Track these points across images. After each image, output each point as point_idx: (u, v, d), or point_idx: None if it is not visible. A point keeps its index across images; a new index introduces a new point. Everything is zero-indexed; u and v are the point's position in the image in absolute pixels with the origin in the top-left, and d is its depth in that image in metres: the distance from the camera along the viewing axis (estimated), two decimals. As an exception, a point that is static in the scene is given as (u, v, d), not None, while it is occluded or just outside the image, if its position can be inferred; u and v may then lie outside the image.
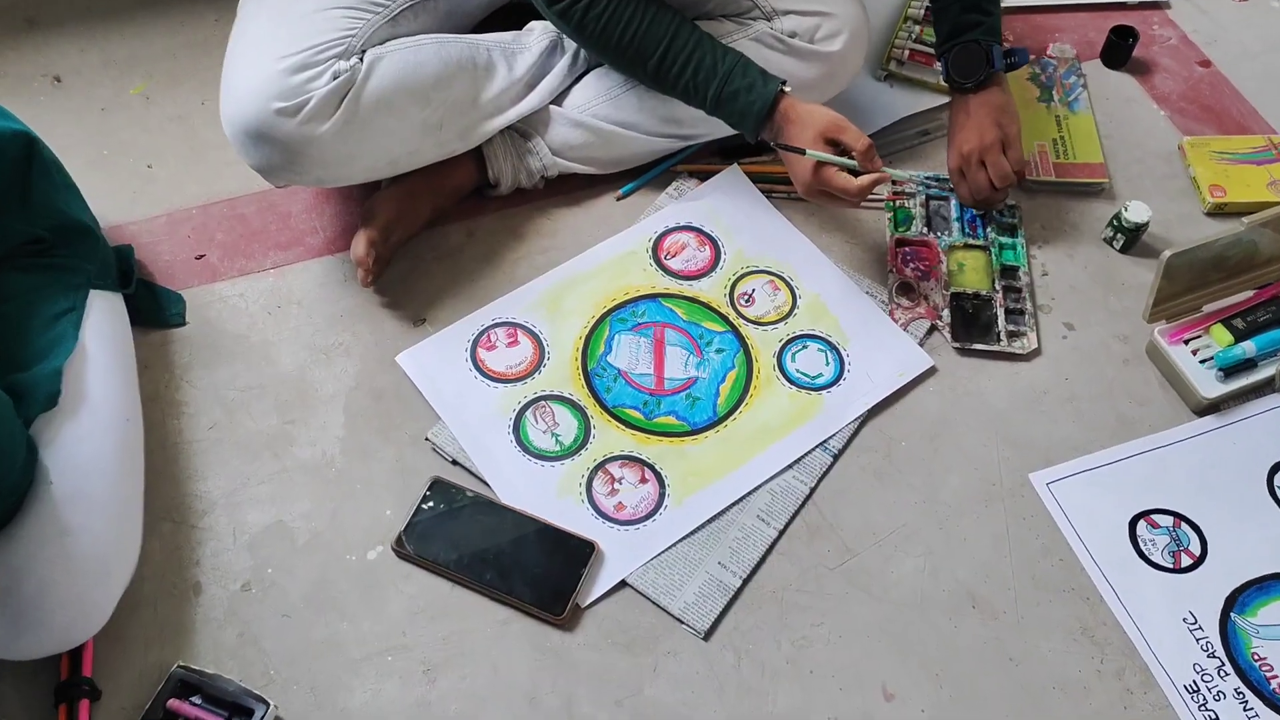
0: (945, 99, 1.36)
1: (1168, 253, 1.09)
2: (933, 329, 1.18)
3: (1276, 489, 1.08)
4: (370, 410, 1.09)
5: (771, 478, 1.06)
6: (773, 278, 1.20)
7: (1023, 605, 1.00)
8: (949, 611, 1.00)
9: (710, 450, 1.08)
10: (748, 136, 1.14)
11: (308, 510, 1.03)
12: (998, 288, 1.20)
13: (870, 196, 1.12)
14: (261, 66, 1.02)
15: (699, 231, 1.23)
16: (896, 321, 1.17)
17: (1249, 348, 1.12)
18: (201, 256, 1.20)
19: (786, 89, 1.11)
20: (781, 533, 1.04)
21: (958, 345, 1.16)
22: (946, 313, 1.18)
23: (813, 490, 1.06)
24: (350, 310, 1.16)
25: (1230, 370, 1.13)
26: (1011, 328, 1.18)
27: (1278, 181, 1.30)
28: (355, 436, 1.08)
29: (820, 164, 1.09)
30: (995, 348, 1.16)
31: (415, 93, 1.08)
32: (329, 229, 1.22)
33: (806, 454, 1.08)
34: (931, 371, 1.14)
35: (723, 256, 1.21)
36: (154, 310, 1.14)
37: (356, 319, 1.16)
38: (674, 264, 1.20)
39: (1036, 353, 1.17)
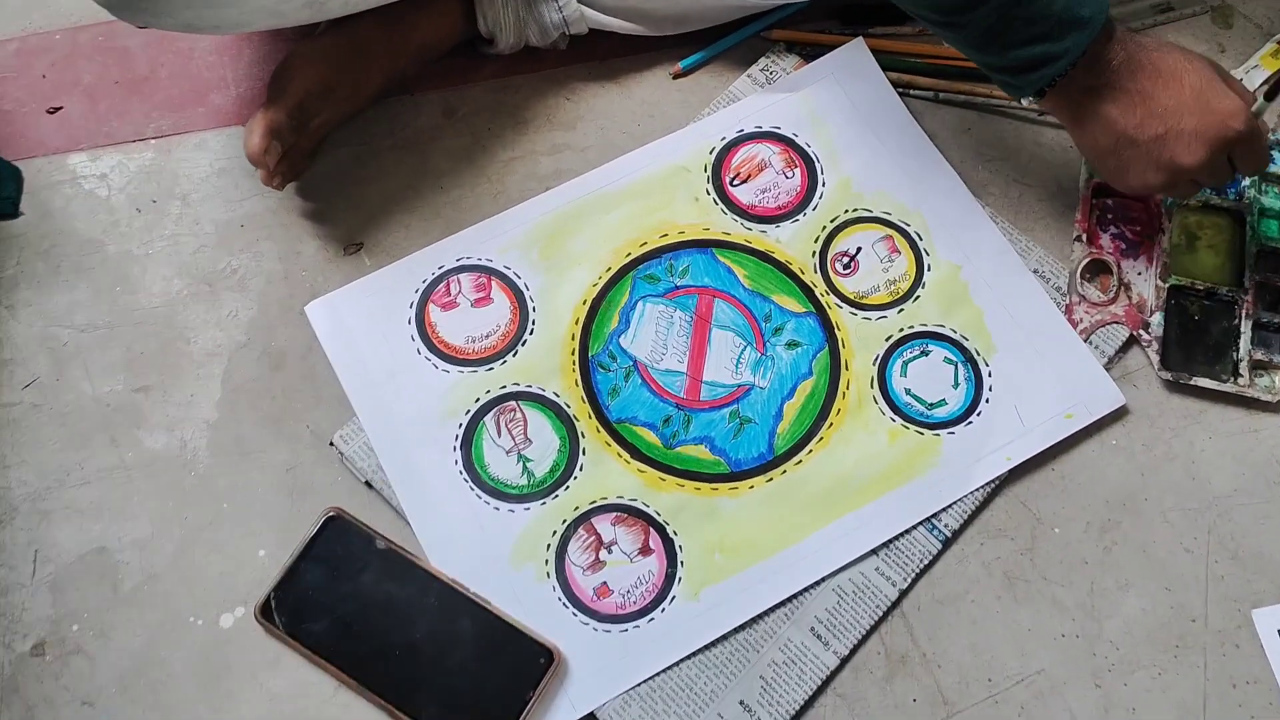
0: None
1: None
2: (1131, 342, 0.75)
3: None
4: (262, 384, 0.73)
5: (844, 568, 0.68)
6: (892, 232, 0.77)
7: (1212, 836, 0.63)
8: (1091, 831, 0.63)
9: (756, 510, 0.69)
10: (1049, 71, 0.65)
11: (145, 536, 0.69)
12: (1247, 284, 0.76)
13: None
14: None
15: (788, 143, 0.79)
16: (1076, 325, 0.74)
17: None
18: (58, 109, 0.81)
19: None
20: (845, 661, 0.67)
21: (1168, 375, 0.73)
22: (1158, 318, 0.75)
23: (903, 594, 0.68)
24: (255, 217, 0.78)
25: None
26: (1260, 355, 0.74)
27: None
28: (233, 424, 0.72)
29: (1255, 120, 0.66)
30: (1227, 386, 0.73)
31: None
32: (244, 83, 0.82)
33: (902, 534, 0.69)
34: (1120, 414, 0.73)
35: (820, 187, 0.78)
36: (-26, 191, 0.77)
37: (262, 233, 0.77)
38: (743, 193, 0.78)
39: (1293, 401, 0.73)
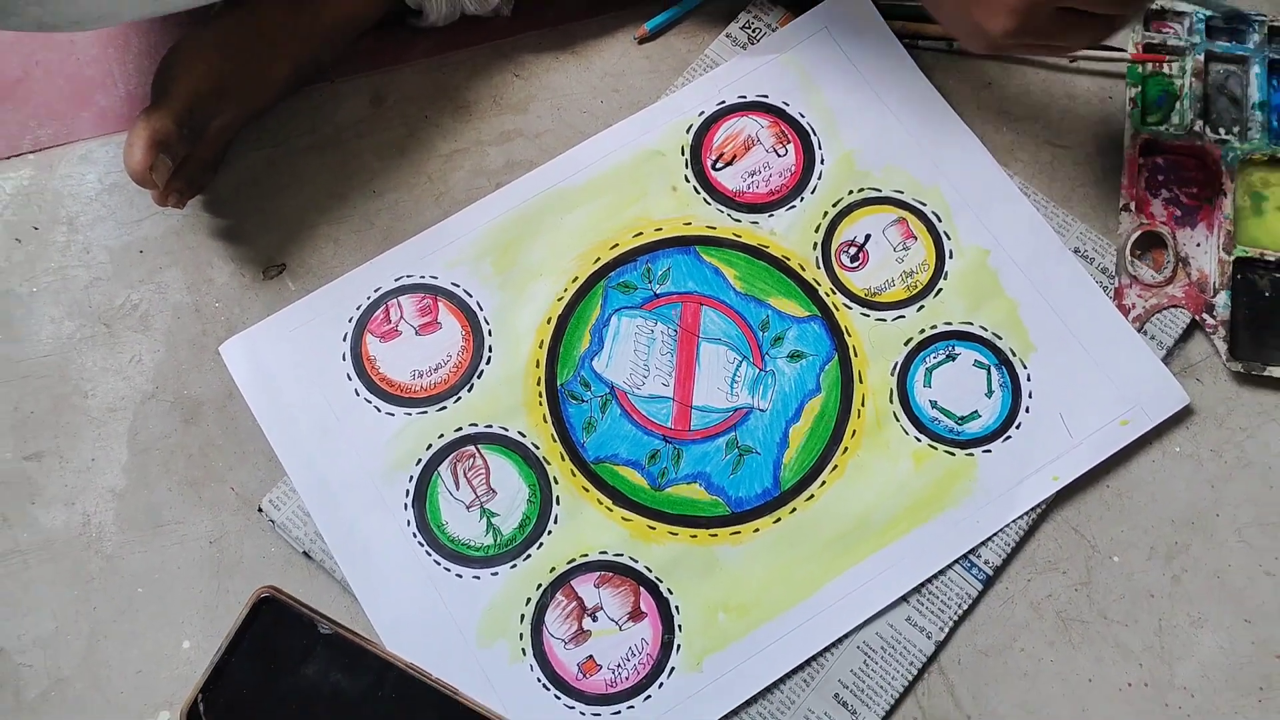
0: None
1: None
2: (1193, 328, 0.68)
3: None
4: (175, 442, 0.66)
5: (869, 620, 0.62)
6: (905, 213, 0.69)
7: None
8: None
9: (764, 557, 0.63)
10: None
11: (49, 633, 0.62)
12: (1325, 252, 0.68)
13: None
14: None
15: (778, 114, 0.71)
16: (1128, 312, 0.67)
17: None
18: (-84, 125, 0.73)
19: None
20: (878, 731, 0.60)
21: (1238, 366, 0.66)
22: (1223, 298, 0.67)
23: (941, 647, 0.62)
24: (156, 240, 0.70)
25: None
26: (1343, 336, 0.67)
27: None
28: (144, 491, 0.65)
29: None
30: (1308, 375, 0.66)
31: None
32: (135, 80, 0.74)
33: (936, 575, 0.62)
34: (1183, 415, 0.66)
35: (818, 165, 0.70)
36: None
37: (165, 259, 0.70)
38: (728, 178, 0.70)
39: (1385, 388, 0.66)
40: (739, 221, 0.70)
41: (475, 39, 0.74)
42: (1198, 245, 0.70)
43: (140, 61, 0.74)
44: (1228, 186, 0.70)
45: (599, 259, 0.69)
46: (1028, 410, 0.66)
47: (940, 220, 0.69)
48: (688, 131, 0.71)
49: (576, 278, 0.68)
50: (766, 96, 0.72)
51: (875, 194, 0.70)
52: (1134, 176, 0.70)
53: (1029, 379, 0.66)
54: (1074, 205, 0.71)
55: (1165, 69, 0.73)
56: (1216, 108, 0.73)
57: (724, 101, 0.72)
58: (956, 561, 0.63)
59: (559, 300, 0.68)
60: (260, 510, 0.64)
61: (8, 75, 0.74)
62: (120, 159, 0.72)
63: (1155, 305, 0.68)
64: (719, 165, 0.71)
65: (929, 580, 0.63)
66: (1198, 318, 0.68)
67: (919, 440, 0.65)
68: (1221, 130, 0.72)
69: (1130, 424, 0.65)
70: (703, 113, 0.72)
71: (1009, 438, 0.65)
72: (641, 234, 0.69)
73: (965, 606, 0.63)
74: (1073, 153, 0.72)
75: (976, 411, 0.66)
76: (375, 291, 0.68)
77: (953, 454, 0.65)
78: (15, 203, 0.71)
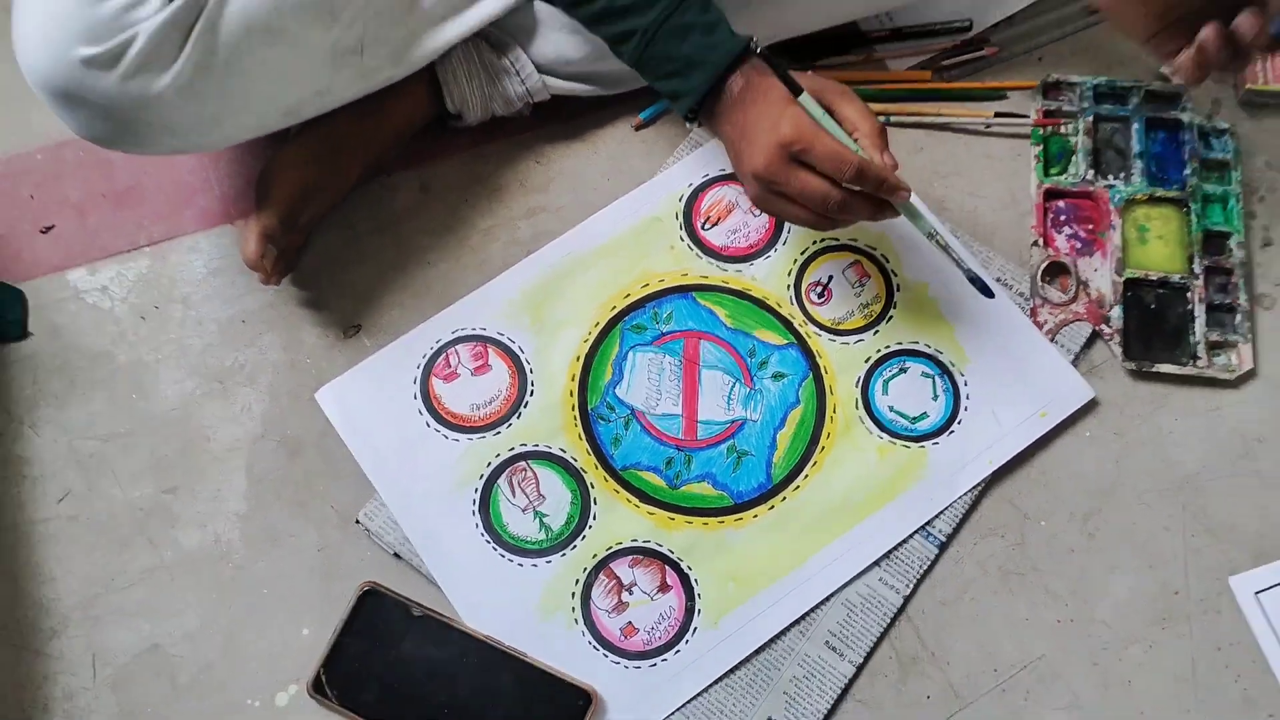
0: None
1: None
2: (1095, 337, 0.85)
3: None
4: (283, 473, 0.82)
5: (849, 582, 0.78)
6: (860, 257, 0.87)
7: (1211, 790, 0.73)
8: (1101, 798, 0.73)
9: (761, 537, 0.79)
10: (681, 105, 0.78)
11: (194, 629, 0.78)
12: (1197, 270, 0.86)
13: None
14: (59, -15, 0.69)
15: (754, 184, 0.89)
16: (1041, 327, 0.84)
17: None
18: (50, 228, 0.90)
19: (756, 46, 0.76)
20: (860, 669, 0.77)
21: (1132, 365, 0.83)
22: (1117, 311, 0.85)
23: (907, 600, 0.78)
24: (255, 312, 0.87)
25: None
26: (1215, 336, 0.84)
27: None
28: (262, 513, 0.81)
29: (806, 121, 0.73)
30: (1188, 369, 0.83)
31: (311, 6, 0.74)
32: (227, 183, 0.91)
33: (900, 544, 0.79)
34: (1090, 407, 0.83)
35: (787, 223, 0.88)
36: (-17, 318, 0.86)
37: (264, 326, 0.86)
38: (715, 236, 0.87)
39: (1250, 376, 0.84)
40: (726, 270, 0.87)
41: (502, 135, 0.92)
42: (1095, 270, 0.87)
43: (231, 168, 0.91)
44: (1116, 222, 0.88)
45: (615, 307, 0.86)
46: (966, 409, 0.82)
47: (888, 261, 0.87)
48: (680, 200, 0.89)
49: (598, 323, 0.85)
50: (742, 169, 0.89)
51: (834, 243, 0.87)
52: (1041, 218, 0.88)
53: (966, 384, 0.83)
54: (994, 243, 0.88)
55: (1062, 129, 0.91)
56: (1105, 159, 0.90)
57: (708, 174, 0.89)
58: (916, 532, 0.79)
59: (585, 342, 0.85)
60: (357, 522, 0.80)
61: (122, 184, 0.91)
62: (221, 247, 0.89)
63: (1063, 320, 0.85)
64: (707, 226, 0.88)
65: (895, 548, 0.79)
66: (1097, 328, 0.85)
67: (881, 438, 0.82)
68: (1110, 177, 0.89)
69: (1048, 415, 0.82)
70: (691, 184, 0.89)
71: (952, 432, 0.82)
72: (648, 285, 0.86)
73: (925, 567, 0.79)
74: (991, 201, 0.89)
75: (925, 413, 0.83)
76: (436, 343, 0.84)
77: (908, 447, 0.82)
78: (138, 288, 0.88)
